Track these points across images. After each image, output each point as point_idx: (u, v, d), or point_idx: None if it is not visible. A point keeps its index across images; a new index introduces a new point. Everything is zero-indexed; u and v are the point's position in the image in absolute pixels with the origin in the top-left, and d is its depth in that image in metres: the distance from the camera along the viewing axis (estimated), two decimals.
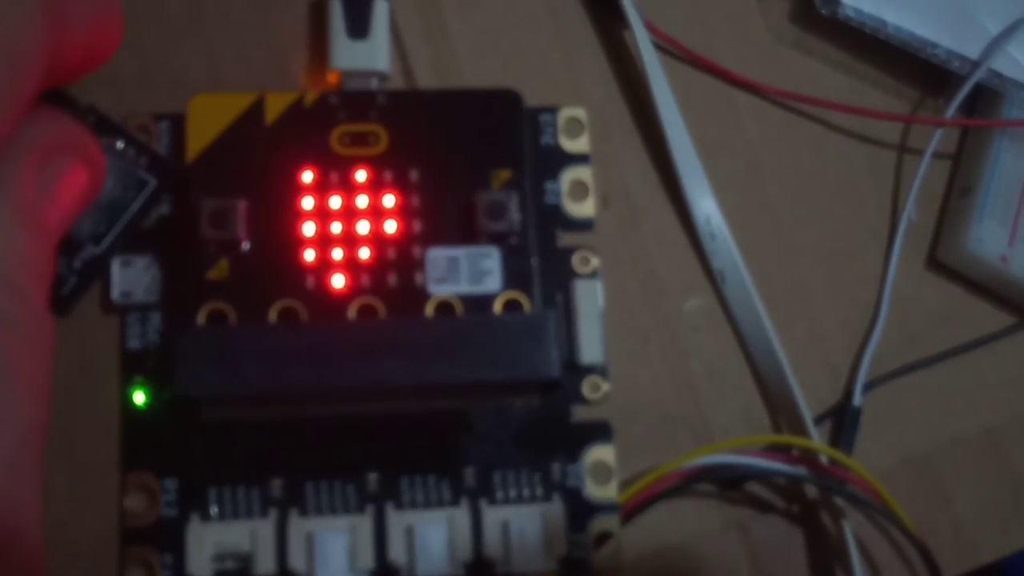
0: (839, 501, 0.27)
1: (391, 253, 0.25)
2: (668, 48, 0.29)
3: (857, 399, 0.28)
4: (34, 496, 0.19)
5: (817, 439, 0.27)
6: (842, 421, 0.28)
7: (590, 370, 0.26)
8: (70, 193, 0.21)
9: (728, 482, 0.27)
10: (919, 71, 0.31)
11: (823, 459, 0.26)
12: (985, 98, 0.31)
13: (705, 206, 0.28)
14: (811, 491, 0.27)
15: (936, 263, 0.30)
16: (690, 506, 0.27)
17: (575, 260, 0.26)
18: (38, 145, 0.20)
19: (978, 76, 0.30)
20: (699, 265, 0.28)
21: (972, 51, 0.30)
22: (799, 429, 0.27)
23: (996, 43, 0.30)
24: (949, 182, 0.31)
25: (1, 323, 0.18)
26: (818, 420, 0.27)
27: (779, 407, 0.28)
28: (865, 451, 0.28)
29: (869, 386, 0.28)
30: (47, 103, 0.21)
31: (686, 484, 0.26)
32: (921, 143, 0.30)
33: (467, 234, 0.25)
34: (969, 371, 0.29)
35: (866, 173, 0.30)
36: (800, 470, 0.26)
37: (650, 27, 0.29)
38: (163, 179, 0.25)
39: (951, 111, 0.30)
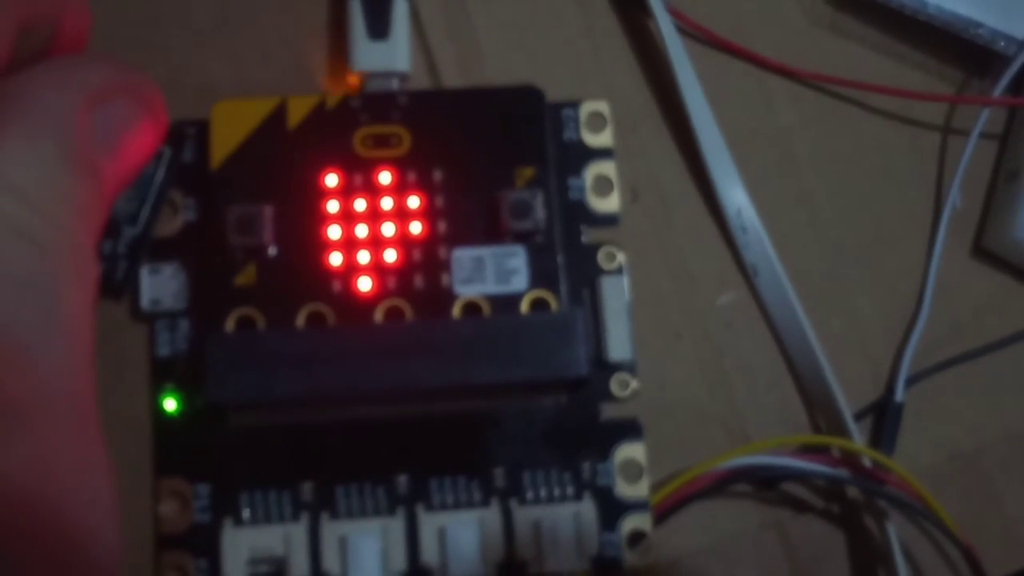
0: (881, 502, 0.26)
1: (417, 255, 0.25)
2: (695, 35, 0.29)
3: (899, 394, 0.27)
4: (102, 479, 0.18)
5: (857, 437, 0.26)
6: (884, 417, 0.27)
7: (618, 367, 0.25)
8: (129, 141, 0.20)
9: (764, 482, 0.26)
10: (962, 52, 0.29)
11: (864, 460, 0.26)
12: None
13: (736, 198, 0.27)
14: (851, 491, 0.26)
15: (982, 251, 0.29)
16: (725, 506, 0.26)
17: (601, 256, 0.26)
18: (92, 86, 0.19)
19: None
20: (731, 259, 0.27)
21: (1018, 30, 0.29)
22: (838, 426, 0.26)
23: None
24: (995, 166, 0.29)
25: (47, 254, 0.17)
26: (858, 417, 0.27)
27: (817, 404, 0.27)
28: (909, 448, 0.27)
29: (912, 380, 0.27)
30: None
31: (720, 485, 0.25)
32: (966, 125, 0.29)
33: (492, 234, 0.25)
34: (1017, 363, 0.28)
35: (907, 158, 0.29)
36: (839, 472, 0.26)
37: (675, 13, 0.28)
38: (174, 144, 0.25)
39: (998, 92, 0.29)
